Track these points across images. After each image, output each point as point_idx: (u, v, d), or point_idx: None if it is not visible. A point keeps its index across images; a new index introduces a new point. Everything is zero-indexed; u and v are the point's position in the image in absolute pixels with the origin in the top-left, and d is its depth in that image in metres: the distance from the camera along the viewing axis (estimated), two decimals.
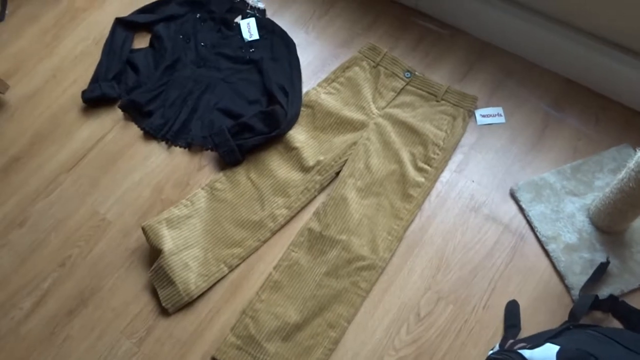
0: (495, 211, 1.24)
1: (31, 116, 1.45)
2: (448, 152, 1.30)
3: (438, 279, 1.17)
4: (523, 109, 1.35)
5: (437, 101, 1.35)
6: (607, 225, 1.15)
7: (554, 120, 1.33)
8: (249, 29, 1.52)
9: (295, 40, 1.49)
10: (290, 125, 1.34)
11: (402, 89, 1.38)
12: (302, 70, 1.45)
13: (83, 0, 1.64)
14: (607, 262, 1.11)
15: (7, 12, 1.64)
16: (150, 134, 1.38)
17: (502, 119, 1.34)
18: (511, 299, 1.13)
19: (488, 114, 1.34)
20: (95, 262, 1.24)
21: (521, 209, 1.23)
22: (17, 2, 1.66)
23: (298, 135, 1.34)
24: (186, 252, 1.20)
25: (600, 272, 1.11)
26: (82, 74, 1.50)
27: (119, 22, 1.54)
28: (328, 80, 1.42)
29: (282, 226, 1.25)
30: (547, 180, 1.24)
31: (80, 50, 1.55)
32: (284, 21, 1.54)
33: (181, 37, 1.52)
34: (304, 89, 1.42)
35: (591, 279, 1.10)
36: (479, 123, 1.34)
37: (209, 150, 1.36)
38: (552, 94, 1.37)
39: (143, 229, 1.21)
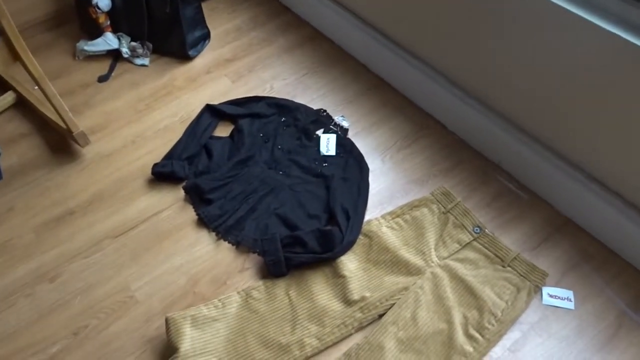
0: None
1: (99, 175, 1.48)
2: (505, 325, 1.18)
3: None
4: (596, 301, 1.23)
5: (503, 266, 1.26)
6: None
7: (631, 323, 1.19)
8: (327, 143, 1.53)
9: (370, 166, 1.48)
10: (344, 251, 1.28)
11: (468, 243, 1.31)
12: (369, 197, 1.42)
13: (183, 80, 1.74)
14: None
15: (112, 74, 1.76)
16: (204, 222, 1.36)
17: (571, 305, 1.22)
18: None
19: (556, 295, 1.23)
20: (109, 341, 1.17)
21: None
22: (124, 68, 1.78)
23: (349, 263, 1.27)
24: (201, 358, 1.11)
25: None
26: (159, 147, 1.54)
27: (208, 108, 1.60)
28: (393, 214, 1.37)
29: (308, 358, 1.15)
30: None
31: (165, 124, 1.60)
32: (363, 144, 1.54)
33: (261, 135, 1.54)
34: (366, 217, 1.38)
35: None
36: (544, 302, 1.22)
37: (256, 254, 1.31)
38: (631, 291, 1.24)
39: (166, 321, 1.15)
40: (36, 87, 1.62)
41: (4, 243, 1.33)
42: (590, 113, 1.20)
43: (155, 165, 1.45)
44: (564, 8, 1.11)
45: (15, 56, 1.29)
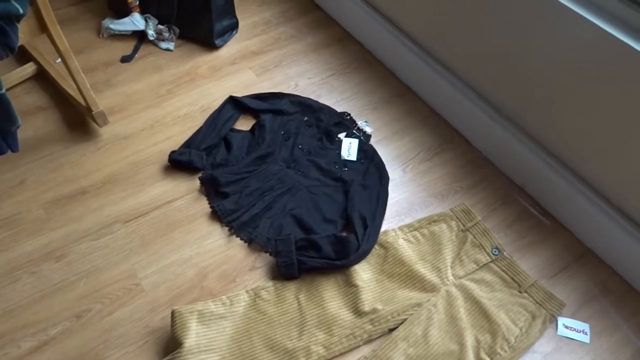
0: None
1: (115, 156, 1.45)
2: (517, 352, 1.14)
3: None
4: (612, 337, 1.20)
5: (520, 292, 1.23)
6: None
7: None
8: (349, 148, 1.50)
9: (390, 175, 1.45)
10: (358, 260, 1.25)
11: (485, 264, 1.27)
12: (387, 207, 1.38)
13: (207, 68, 1.71)
14: None
15: (136, 55, 1.73)
16: (217, 216, 1.33)
17: (586, 338, 1.19)
18: None
19: (572, 327, 1.20)
20: (111, 327, 1.14)
21: None
22: (148, 50, 1.75)
23: (363, 272, 1.24)
24: (205, 355, 1.08)
25: None
26: (178, 134, 1.51)
27: (231, 100, 1.57)
28: (411, 227, 1.34)
29: None
30: None
31: (185, 112, 1.57)
32: (385, 152, 1.51)
33: (282, 133, 1.51)
34: (383, 227, 1.34)
35: None
36: (559, 333, 1.19)
37: (268, 254, 1.28)
38: None
39: (172, 314, 1.12)
40: (58, 61, 1.60)
41: (13, 216, 1.31)
42: (623, 142, 1.17)
43: (173, 152, 1.42)
44: (605, 30, 1.08)
45: (43, 27, 1.25)
